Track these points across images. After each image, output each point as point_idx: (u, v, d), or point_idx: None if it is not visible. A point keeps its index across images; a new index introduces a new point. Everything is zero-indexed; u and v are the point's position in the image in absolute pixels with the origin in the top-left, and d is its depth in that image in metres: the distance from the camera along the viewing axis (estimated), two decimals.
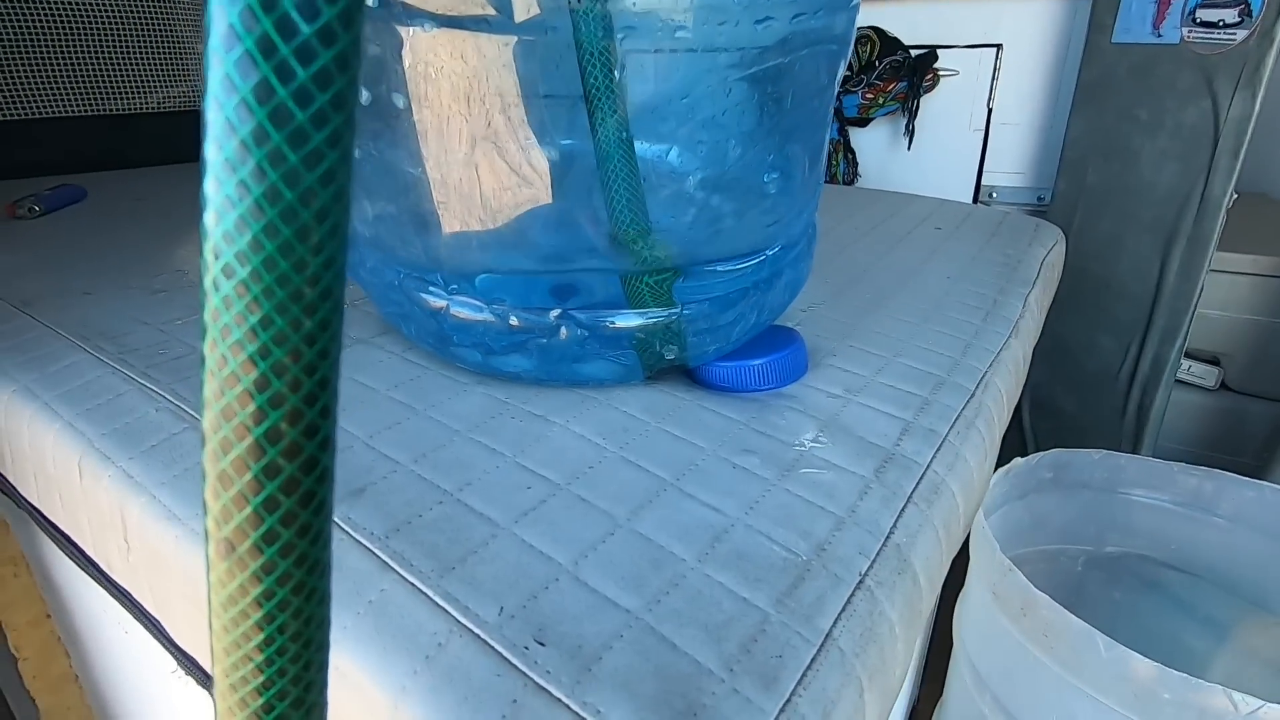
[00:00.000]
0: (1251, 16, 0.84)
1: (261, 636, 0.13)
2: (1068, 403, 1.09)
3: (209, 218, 0.11)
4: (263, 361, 0.11)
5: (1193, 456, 1.08)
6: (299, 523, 0.12)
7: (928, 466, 0.32)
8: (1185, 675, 0.49)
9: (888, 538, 0.28)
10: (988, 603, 0.62)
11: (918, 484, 0.31)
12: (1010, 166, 1.17)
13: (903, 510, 0.29)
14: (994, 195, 1.20)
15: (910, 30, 1.19)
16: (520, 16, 0.29)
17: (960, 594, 0.71)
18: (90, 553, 0.35)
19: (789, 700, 0.21)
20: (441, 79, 0.31)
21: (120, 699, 0.51)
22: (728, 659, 0.22)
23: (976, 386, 0.40)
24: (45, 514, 0.38)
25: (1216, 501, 0.73)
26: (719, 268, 0.36)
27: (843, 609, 0.24)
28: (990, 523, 0.69)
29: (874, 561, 0.26)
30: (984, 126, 1.17)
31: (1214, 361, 1.06)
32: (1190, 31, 0.88)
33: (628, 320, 0.35)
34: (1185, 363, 1.04)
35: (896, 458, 0.32)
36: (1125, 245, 0.99)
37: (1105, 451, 0.77)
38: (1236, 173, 0.89)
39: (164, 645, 0.33)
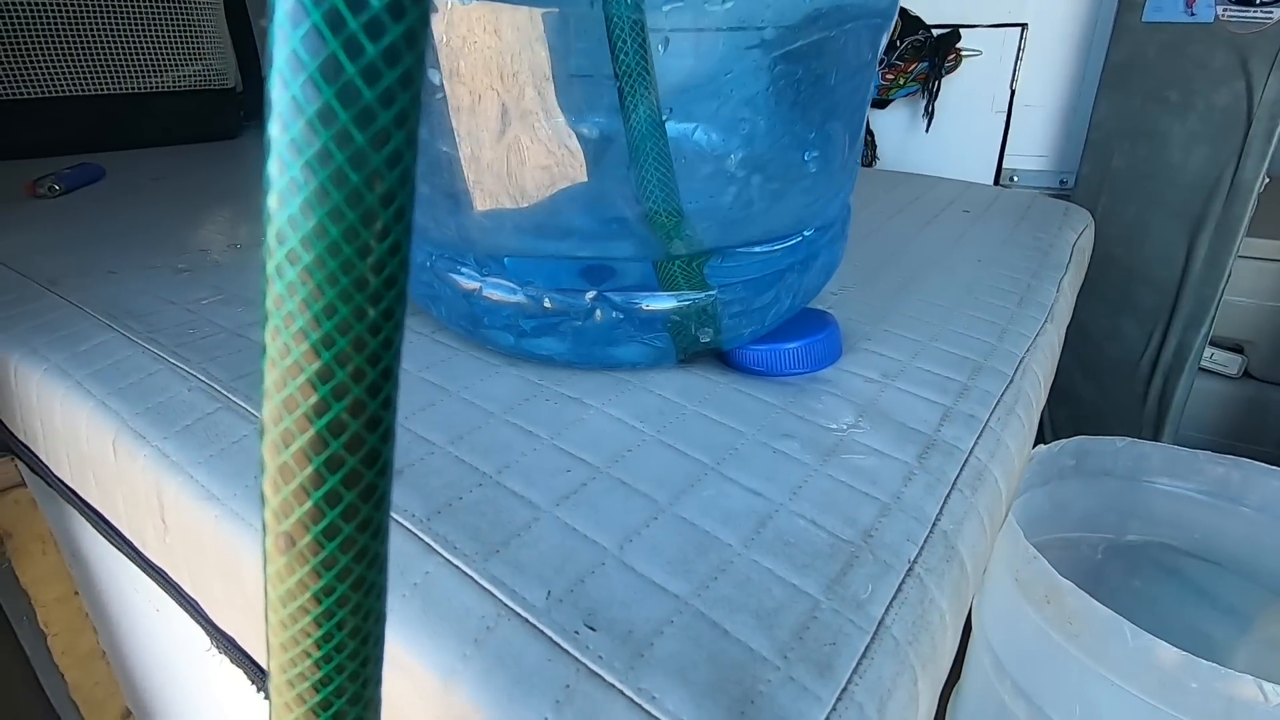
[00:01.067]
0: None
1: (320, 632, 0.13)
2: (1087, 389, 1.08)
3: (272, 200, 0.10)
4: (326, 351, 0.11)
5: (1212, 444, 1.07)
6: (360, 517, 0.12)
7: (970, 452, 0.32)
8: (1214, 665, 0.49)
9: (934, 524, 0.27)
10: (1010, 589, 0.62)
11: (961, 470, 0.31)
12: (1033, 150, 1.15)
13: (948, 497, 0.29)
14: (1015, 178, 1.18)
15: (933, 9, 1.16)
16: None
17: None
18: (125, 532, 0.35)
19: (845, 688, 0.20)
20: (477, 54, 0.30)
21: (149, 675, 0.51)
22: (781, 646, 0.21)
23: (1015, 372, 0.39)
24: (79, 493, 0.38)
25: (1243, 491, 0.72)
26: (756, 249, 0.36)
27: (894, 597, 0.24)
28: (1012, 509, 0.69)
29: (922, 549, 0.26)
30: (1006, 108, 1.15)
31: (1237, 349, 1.05)
32: (1225, 10, 0.85)
33: (663, 303, 0.35)
34: (1208, 350, 1.03)
35: (938, 444, 0.32)
36: (1151, 230, 0.97)
37: (1129, 439, 0.76)
38: (1269, 156, 0.87)
39: (199, 624, 0.33)
